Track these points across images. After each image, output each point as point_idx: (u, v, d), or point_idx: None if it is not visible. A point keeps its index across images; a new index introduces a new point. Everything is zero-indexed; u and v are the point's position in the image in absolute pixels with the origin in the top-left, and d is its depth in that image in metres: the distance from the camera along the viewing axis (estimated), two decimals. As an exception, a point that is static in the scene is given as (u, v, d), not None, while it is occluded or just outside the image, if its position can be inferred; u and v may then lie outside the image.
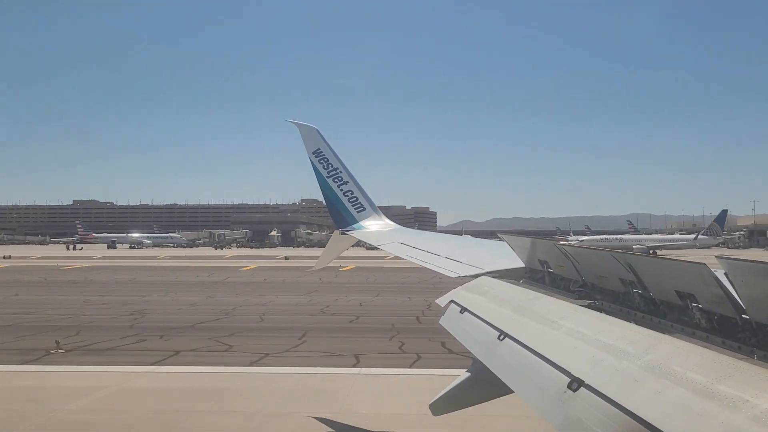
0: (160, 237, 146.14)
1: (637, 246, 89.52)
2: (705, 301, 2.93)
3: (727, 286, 2.75)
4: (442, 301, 5.26)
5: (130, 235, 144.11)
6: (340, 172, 11.17)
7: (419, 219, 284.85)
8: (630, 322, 3.35)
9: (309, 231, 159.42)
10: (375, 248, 10.51)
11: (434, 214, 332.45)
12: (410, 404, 11.15)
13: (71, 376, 13.64)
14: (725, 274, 2.72)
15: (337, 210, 11.19)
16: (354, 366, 14.78)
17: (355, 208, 11.12)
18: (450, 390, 5.11)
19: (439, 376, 12.40)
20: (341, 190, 11.15)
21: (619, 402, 2.42)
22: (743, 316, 2.74)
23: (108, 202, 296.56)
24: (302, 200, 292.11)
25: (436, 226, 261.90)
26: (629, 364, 2.61)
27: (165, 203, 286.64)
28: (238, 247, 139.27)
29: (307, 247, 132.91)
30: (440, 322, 5.00)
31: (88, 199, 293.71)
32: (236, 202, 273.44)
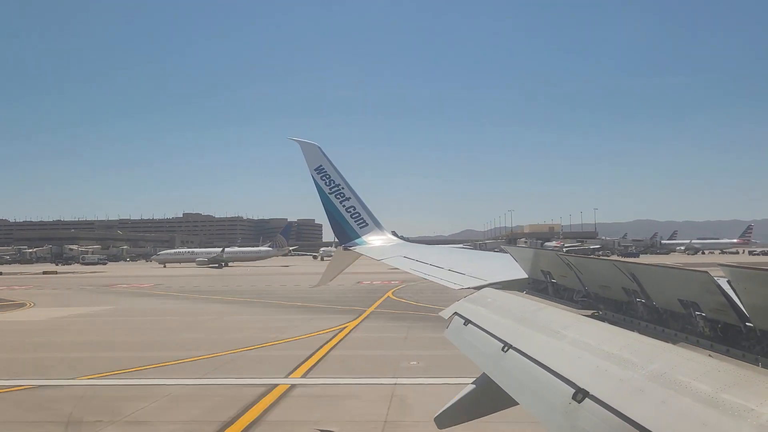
0: None
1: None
2: (708, 309, 2.92)
3: (731, 294, 2.74)
4: (445, 313, 5.24)
5: None
6: (342, 188, 11.21)
7: (302, 231, 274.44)
8: (634, 331, 3.34)
9: (71, 247, 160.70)
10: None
11: (320, 226, 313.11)
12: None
13: None
14: (728, 281, 2.71)
15: (339, 226, 11.23)
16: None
17: (357, 224, 11.16)
18: (455, 402, 5.09)
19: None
20: (344, 206, 11.19)
21: (624, 413, 2.41)
22: (747, 324, 2.73)
23: (3, 220, 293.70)
24: (184, 214, 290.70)
25: (321, 238, 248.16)
26: (633, 374, 2.60)
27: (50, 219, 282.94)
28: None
29: (69, 263, 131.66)
30: (444, 334, 4.99)
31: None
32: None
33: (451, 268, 6.96)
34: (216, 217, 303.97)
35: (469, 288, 5.71)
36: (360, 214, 11.26)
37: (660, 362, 2.58)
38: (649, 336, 3.11)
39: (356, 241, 11.10)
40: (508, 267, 5.56)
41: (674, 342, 3.08)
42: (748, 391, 2.11)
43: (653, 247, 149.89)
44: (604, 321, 3.72)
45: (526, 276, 5.23)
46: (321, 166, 11.27)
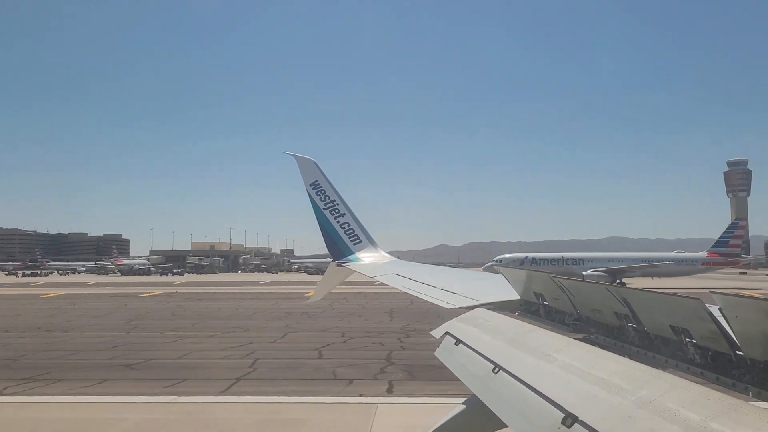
0: None
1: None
2: (699, 336, 2.93)
3: (722, 322, 2.75)
4: (437, 332, 5.22)
5: None
6: (337, 204, 11.22)
7: (105, 246, 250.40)
8: (624, 356, 3.33)
9: None
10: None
11: (127, 241, 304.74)
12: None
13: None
14: (720, 309, 2.72)
15: (333, 242, 11.21)
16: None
17: (351, 240, 11.15)
18: (444, 423, 5.04)
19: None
20: (338, 222, 11.19)
21: None
22: (738, 352, 2.74)
23: None
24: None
25: (128, 253, 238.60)
26: (623, 400, 2.58)
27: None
28: None
29: None
30: (435, 354, 4.96)
31: None
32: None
33: (443, 287, 6.96)
34: (23, 230, 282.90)
35: (461, 308, 5.69)
36: (354, 231, 11.26)
37: (650, 389, 2.57)
38: (639, 362, 3.11)
39: (350, 257, 11.08)
40: (501, 288, 5.56)
41: (664, 368, 3.08)
42: (736, 421, 2.10)
43: (279, 265, 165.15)
44: (595, 345, 3.72)
45: (518, 297, 5.24)
46: (317, 181, 11.29)
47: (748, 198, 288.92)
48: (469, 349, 4.38)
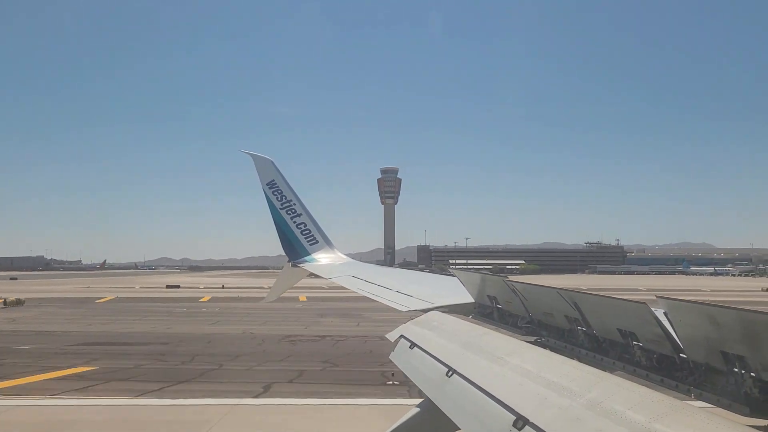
0: None
1: None
2: (645, 339, 3.02)
3: (667, 326, 2.85)
4: (392, 335, 5.23)
5: None
6: (294, 204, 11.13)
7: None
8: (574, 359, 3.41)
9: None
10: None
11: None
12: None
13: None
14: (665, 313, 2.81)
15: (289, 242, 11.11)
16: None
17: (307, 241, 11.08)
18: (398, 426, 5.05)
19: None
20: (294, 222, 11.10)
21: None
22: (681, 355, 2.84)
23: None
24: None
25: None
26: (572, 402, 2.64)
27: None
28: None
29: None
30: (390, 357, 4.97)
31: None
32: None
33: (399, 289, 6.97)
34: None
35: (416, 310, 5.72)
36: (311, 231, 11.19)
37: (597, 391, 2.64)
38: (588, 364, 3.18)
39: (306, 258, 11.00)
40: (456, 291, 5.61)
41: (612, 371, 3.16)
42: (679, 422, 2.17)
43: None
44: (546, 348, 3.79)
45: (472, 300, 5.29)
46: (273, 180, 11.17)
47: (396, 206, 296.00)
48: (423, 353, 4.40)
